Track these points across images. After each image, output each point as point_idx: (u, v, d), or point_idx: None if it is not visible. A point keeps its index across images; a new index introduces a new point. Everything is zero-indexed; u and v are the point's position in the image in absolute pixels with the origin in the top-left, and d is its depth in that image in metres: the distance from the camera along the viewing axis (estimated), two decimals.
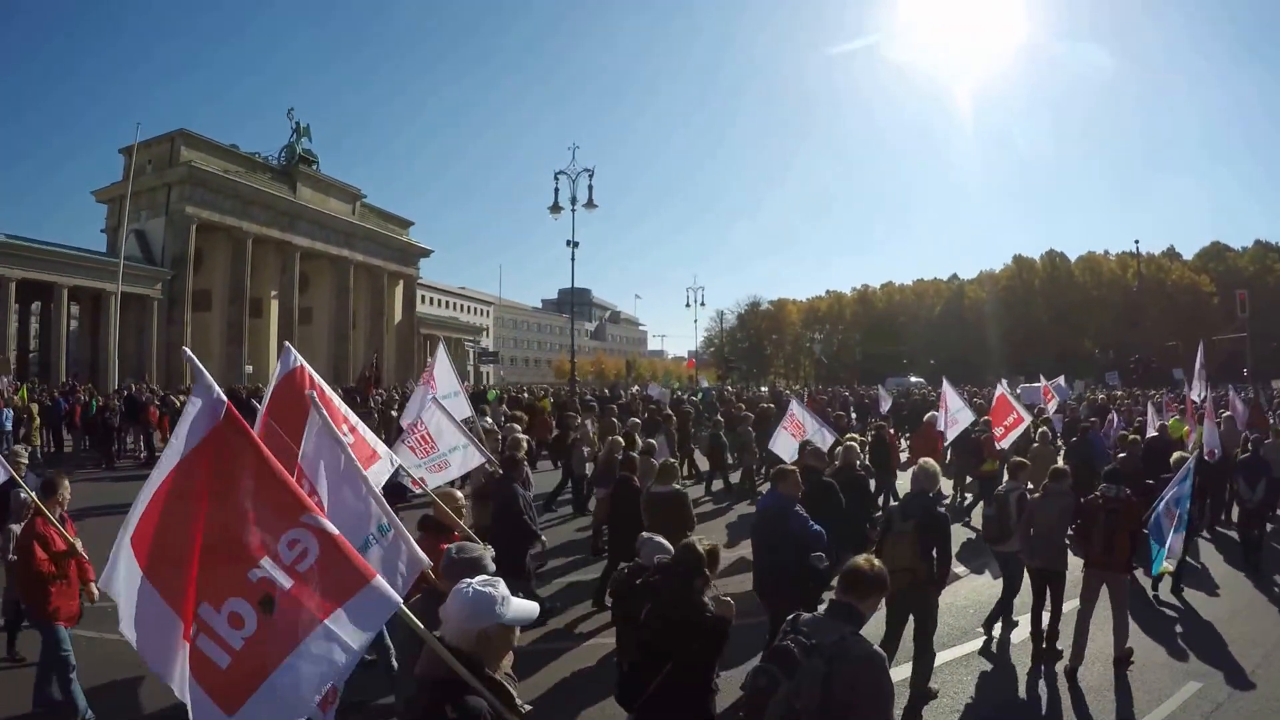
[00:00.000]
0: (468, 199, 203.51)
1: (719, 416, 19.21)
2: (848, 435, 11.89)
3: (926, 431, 14.15)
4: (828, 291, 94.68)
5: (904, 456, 16.14)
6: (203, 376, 2.91)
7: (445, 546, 4.01)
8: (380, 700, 5.77)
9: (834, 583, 3.37)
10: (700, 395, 34.45)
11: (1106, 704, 6.15)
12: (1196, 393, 16.67)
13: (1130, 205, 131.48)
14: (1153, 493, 7.95)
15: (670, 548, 4.65)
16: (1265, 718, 5.91)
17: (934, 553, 5.94)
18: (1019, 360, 61.13)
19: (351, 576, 2.73)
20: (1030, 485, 7.83)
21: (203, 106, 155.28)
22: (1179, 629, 7.91)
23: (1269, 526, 10.73)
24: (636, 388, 38.38)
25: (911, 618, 6.05)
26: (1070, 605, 7.18)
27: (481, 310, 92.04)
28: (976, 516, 13.98)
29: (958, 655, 7.15)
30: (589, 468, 13.14)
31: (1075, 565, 7.28)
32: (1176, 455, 9.16)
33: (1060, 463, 9.26)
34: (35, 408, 21.01)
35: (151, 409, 21.01)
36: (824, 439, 11.12)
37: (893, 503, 10.30)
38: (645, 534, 5.04)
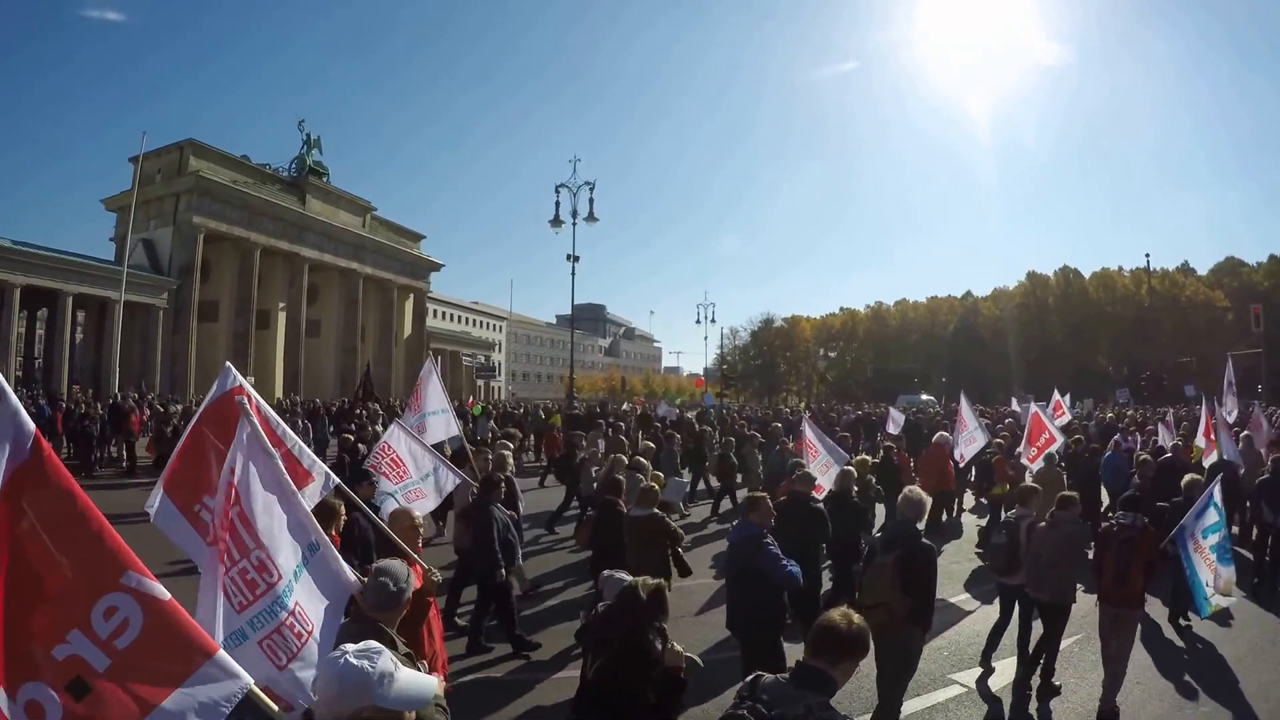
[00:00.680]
0: (482, 213, 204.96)
1: (729, 437, 18.59)
2: (859, 458, 11.35)
3: (935, 452, 13.62)
4: (841, 309, 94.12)
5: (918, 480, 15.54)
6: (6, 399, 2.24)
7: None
8: None
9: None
10: (704, 412, 33.91)
11: None
12: (1228, 409, 16.08)
13: (1144, 221, 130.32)
14: (1164, 515, 7.43)
15: (636, 580, 4.20)
16: None
17: (915, 590, 5.36)
18: (1033, 377, 60.31)
19: (186, 652, 2.24)
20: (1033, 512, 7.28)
21: (219, 119, 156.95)
22: (1187, 668, 7.27)
23: None
24: (627, 405, 37.84)
25: (881, 661, 5.47)
26: (1070, 640, 6.69)
27: (495, 325, 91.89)
28: (969, 528, 13.52)
29: (951, 696, 6.64)
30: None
31: (1084, 599, 6.78)
32: (1188, 478, 8.57)
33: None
34: None
35: (134, 417, 20.74)
36: (837, 462, 10.45)
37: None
38: (606, 571, 4.58)
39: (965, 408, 14.18)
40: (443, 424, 10.54)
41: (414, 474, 8.26)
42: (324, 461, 5.48)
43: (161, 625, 2.23)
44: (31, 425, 2.26)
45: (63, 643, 2.13)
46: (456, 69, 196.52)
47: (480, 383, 64.19)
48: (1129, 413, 28.79)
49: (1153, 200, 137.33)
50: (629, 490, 8.42)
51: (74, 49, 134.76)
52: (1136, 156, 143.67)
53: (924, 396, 52.10)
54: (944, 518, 13.70)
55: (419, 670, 2.87)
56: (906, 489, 6.12)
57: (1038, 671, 6.64)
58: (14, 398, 2.28)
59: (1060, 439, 12.98)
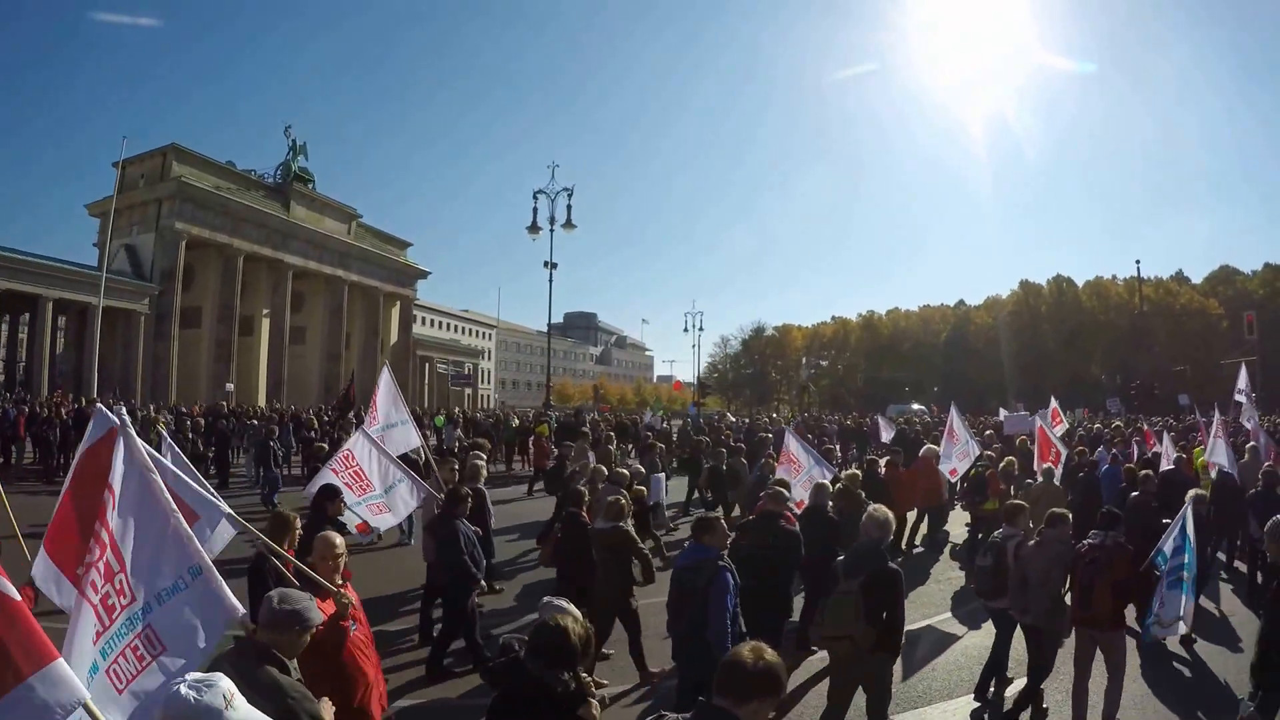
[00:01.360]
0: (477, 223, 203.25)
1: (720, 448, 17.99)
2: (849, 472, 10.81)
3: (924, 465, 13.09)
4: (833, 318, 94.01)
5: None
6: None
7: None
8: None
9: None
10: (695, 422, 33.39)
11: None
12: (1246, 417, 15.63)
13: (1138, 231, 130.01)
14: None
15: (575, 613, 3.66)
16: None
17: (883, 616, 4.94)
18: (1027, 386, 60.03)
19: (26, 654, 2.21)
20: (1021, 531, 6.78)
21: (205, 124, 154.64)
22: (1188, 694, 6.74)
23: None
24: (595, 414, 37.67)
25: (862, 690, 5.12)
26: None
27: (484, 333, 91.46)
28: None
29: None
30: None
31: None
32: (1193, 493, 8.04)
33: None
34: None
35: None
36: (822, 475, 9.88)
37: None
38: (546, 598, 4.04)
39: (956, 419, 13.63)
40: (403, 436, 10.08)
41: (378, 487, 8.04)
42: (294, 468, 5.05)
43: (3, 623, 2.21)
44: None
45: None
46: (450, 77, 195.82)
47: (464, 390, 63.49)
48: (1115, 423, 28.15)
49: (1147, 210, 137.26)
50: (599, 502, 7.93)
51: (57, 53, 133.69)
52: (1131, 166, 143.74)
53: (914, 406, 51.74)
54: (934, 533, 13.24)
55: (307, 699, 3.04)
56: (871, 507, 5.67)
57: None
58: None
59: (1065, 451, 12.55)
